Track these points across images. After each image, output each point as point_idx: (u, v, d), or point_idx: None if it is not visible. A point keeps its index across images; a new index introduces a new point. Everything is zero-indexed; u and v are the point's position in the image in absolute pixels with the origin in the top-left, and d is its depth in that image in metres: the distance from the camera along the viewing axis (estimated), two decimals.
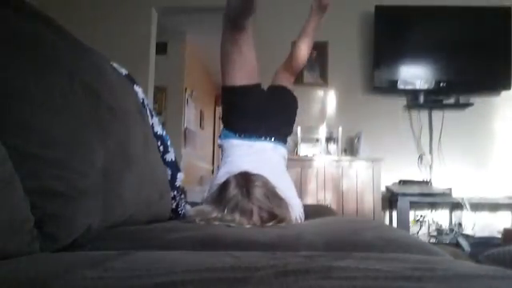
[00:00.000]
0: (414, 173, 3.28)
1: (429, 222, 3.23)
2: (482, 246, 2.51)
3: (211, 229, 0.91)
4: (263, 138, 1.41)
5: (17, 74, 0.67)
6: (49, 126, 0.69)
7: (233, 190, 1.03)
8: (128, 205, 0.93)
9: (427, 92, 3.28)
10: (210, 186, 1.31)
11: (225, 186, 1.07)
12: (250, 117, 1.42)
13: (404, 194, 2.94)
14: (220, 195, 1.06)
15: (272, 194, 1.07)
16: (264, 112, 1.43)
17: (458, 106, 3.30)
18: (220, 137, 1.50)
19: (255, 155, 1.36)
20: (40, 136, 0.68)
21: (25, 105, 0.67)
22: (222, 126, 1.52)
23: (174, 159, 1.38)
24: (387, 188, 3.14)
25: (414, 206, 3.13)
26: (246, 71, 1.39)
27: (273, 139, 1.43)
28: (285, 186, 1.23)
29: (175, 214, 1.36)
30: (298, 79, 2.94)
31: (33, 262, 0.53)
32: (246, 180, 1.06)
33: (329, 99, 3.50)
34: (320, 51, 3.42)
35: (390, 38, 3.31)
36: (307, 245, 0.73)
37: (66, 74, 0.76)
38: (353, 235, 0.83)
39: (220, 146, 1.48)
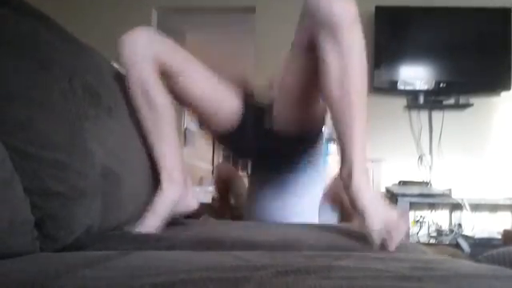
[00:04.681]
0: (414, 173, 3.28)
1: (428, 222, 3.22)
2: (481, 247, 2.51)
3: (211, 230, 0.91)
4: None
5: (16, 74, 0.67)
6: (48, 126, 0.69)
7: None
8: (127, 206, 0.93)
9: (427, 92, 3.28)
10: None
11: None
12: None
13: (404, 195, 2.93)
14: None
15: None
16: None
17: (458, 106, 3.30)
18: None
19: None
20: (39, 136, 0.67)
21: (24, 105, 0.67)
22: None
23: None
24: (387, 189, 3.13)
25: (414, 206, 3.12)
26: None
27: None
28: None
29: None
30: None
31: (33, 262, 0.53)
32: None
33: None
34: None
35: (390, 39, 3.30)
36: (308, 246, 0.73)
37: (66, 74, 0.76)
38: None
39: None
